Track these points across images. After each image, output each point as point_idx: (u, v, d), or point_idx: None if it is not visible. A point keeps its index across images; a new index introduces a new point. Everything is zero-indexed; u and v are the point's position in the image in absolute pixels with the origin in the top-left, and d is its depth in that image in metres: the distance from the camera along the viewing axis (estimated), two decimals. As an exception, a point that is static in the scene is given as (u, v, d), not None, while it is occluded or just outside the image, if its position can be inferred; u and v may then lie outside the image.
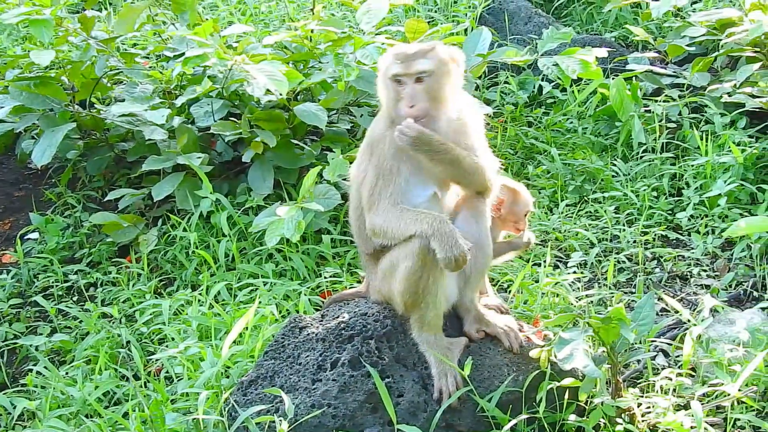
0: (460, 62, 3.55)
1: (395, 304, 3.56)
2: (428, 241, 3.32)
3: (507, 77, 6.49)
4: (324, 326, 3.62)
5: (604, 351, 3.51)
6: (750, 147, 5.33)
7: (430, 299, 3.44)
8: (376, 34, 5.92)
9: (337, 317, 3.64)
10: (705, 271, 4.81)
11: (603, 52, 5.69)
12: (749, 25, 5.94)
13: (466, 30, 6.39)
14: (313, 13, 5.67)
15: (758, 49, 6.04)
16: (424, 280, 3.40)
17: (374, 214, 3.45)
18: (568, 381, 3.44)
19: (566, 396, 3.50)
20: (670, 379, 3.61)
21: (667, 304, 4.27)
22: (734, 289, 4.64)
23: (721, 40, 6.17)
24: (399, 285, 3.46)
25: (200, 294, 4.57)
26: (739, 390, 3.51)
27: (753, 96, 5.59)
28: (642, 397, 3.60)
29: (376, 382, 3.35)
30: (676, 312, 4.06)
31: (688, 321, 4.01)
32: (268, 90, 4.86)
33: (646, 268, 4.85)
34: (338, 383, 3.40)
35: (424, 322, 3.50)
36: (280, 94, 4.83)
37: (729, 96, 5.63)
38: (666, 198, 5.31)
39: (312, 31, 5.42)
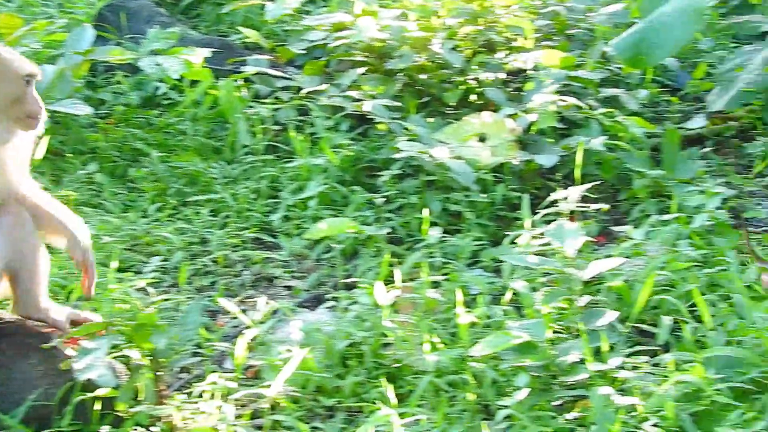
0: None
1: None
2: None
3: (121, 77, 6.31)
4: None
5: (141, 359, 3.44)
6: (347, 149, 5.43)
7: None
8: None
9: None
10: (292, 272, 4.85)
11: (206, 53, 5.68)
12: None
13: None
14: None
15: (367, 54, 6.19)
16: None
17: None
18: (103, 391, 3.34)
19: (106, 407, 3.40)
20: (216, 384, 3.59)
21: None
22: (316, 289, 4.70)
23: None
24: None
25: None
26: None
27: (355, 99, 5.71)
28: (186, 403, 3.55)
29: None
30: (235, 316, 4.04)
31: (251, 324, 3.99)
32: None
33: (233, 270, 4.83)
34: None
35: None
36: None
37: (328, 99, 5.72)
38: (264, 200, 5.32)
39: None
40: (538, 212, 4.47)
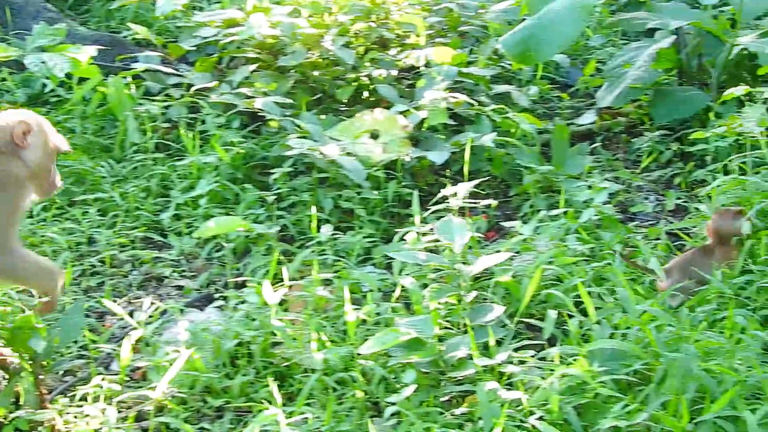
0: None
1: None
2: None
3: (6, 74, 6.14)
4: None
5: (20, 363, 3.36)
6: (239, 146, 5.37)
7: None
8: None
9: None
10: (182, 271, 4.78)
11: (93, 50, 5.56)
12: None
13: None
14: None
15: (259, 51, 6.13)
16: None
17: None
18: (-20, 397, 3.25)
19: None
20: (101, 386, 3.52)
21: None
22: (207, 288, 4.63)
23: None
24: None
25: None
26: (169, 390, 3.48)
27: (247, 96, 5.64)
28: (69, 406, 3.47)
29: None
30: (121, 317, 3.96)
31: (138, 325, 3.92)
32: None
33: (121, 271, 4.74)
34: None
35: None
36: None
37: (220, 96, 5.65)
38: (154, 199, 5.23)
39: None
40: (429, 209, 4.47)
